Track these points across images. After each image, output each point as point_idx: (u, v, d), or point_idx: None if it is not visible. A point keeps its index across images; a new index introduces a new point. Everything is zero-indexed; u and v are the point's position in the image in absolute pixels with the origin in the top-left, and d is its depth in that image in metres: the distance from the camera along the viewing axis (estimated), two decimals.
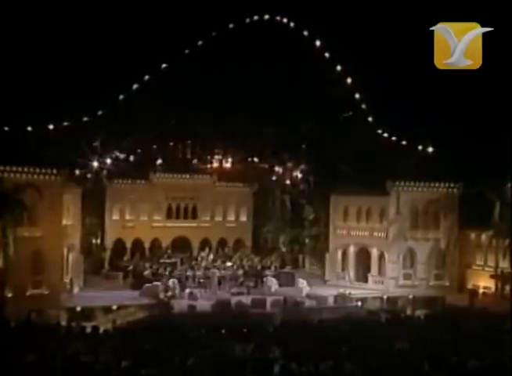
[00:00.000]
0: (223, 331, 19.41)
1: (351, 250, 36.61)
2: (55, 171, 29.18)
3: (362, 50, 44.59)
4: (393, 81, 43.22)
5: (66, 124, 45.44)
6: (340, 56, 50.16)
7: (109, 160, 43.11)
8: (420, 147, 45.73)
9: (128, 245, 38.90)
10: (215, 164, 51.18)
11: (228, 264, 34.80)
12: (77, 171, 38.95)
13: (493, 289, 32.35)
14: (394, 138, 47.35)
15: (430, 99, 41.68)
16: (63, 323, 23.64)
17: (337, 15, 47.11)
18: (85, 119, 46.58)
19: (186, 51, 52.84)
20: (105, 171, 41.38)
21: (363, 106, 50.18)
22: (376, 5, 45.44)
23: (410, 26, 38.55)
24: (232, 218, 41.86)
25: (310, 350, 14.95)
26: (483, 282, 33.49)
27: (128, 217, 39.38)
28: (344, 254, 36.95)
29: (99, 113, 47.53)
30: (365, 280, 35.51)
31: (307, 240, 41.66)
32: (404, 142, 46.63)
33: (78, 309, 27.25)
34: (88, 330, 19.62)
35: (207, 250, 37.83)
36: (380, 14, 45.53)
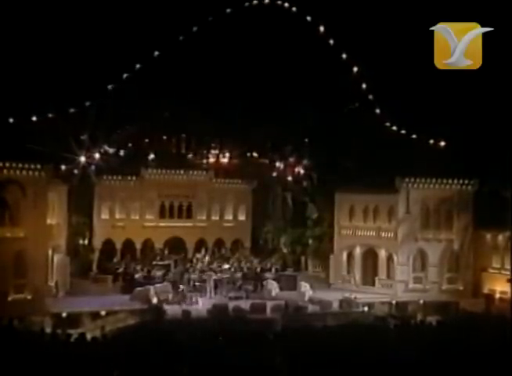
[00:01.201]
0: (220, 338, 19.45)
1: (358, 251, 36.67)
2: (39, 166, 29.20)
3: (369, 36, 44.52)
4: (401, 71, 43.15)
5: (51, 115, 45.33)
6: (346, 43, 50.03)
7: (97, 155, 43.01)
8: (431, 141, 45.65)
9: (118, 246, 38.97)
10: (212, 160, 51.13)
11: (226, 266, 34.89)
12: (63, 167, 38.85)
13: (510, 294, 32.36)
14: (403, 131, 47.26)
15: (442, 90, 41.59)
16: (48, 330, 23.69)
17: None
18: (72, 110, 46.47)
19: (180, 37, 52.77)
20: (93, 167, 41.28)
21: (370, 96, 50.09)
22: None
23: (411, 24, 38.76)
24: (229, 217, 41.90)
25: (313, 358, 14.96)
26: (500, 286, 33.40)
27: (118, 216, 39.43)
28: (350, 255, 37.01)
29: (87, 104, 47.43)
30: (373, 284, 35.57)
31: (310, 241, 41.68)
32: (414, 136, 46.54)
33: (64, 314, 27.27)
34: (75, 337, 19.62)
35: (202, 251, 37.95)
36: (381, 9, 45.63)
